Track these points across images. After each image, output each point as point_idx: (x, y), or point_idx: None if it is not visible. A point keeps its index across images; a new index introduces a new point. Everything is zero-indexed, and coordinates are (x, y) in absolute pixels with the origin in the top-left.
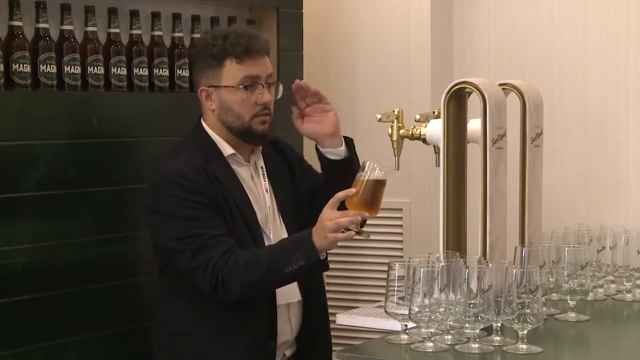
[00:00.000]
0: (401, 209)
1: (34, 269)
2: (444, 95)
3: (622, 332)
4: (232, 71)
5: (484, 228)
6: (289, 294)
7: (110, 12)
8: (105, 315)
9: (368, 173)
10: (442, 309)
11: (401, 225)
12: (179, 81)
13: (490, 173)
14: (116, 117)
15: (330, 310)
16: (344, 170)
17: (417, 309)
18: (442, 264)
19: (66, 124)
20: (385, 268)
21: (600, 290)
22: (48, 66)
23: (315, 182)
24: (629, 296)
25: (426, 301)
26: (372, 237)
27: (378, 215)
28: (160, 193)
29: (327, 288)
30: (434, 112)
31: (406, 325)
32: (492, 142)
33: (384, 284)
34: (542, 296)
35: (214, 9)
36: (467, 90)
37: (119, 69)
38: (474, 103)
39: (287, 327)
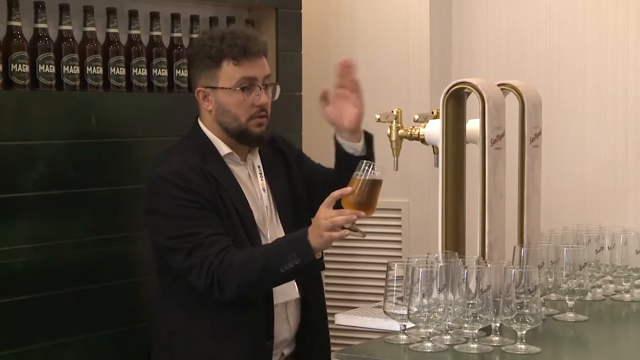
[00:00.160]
0: (400, 209)
1: (33, 269)
2: (442, 95)
3: (621, 332)
4: (229, 72)
5: (482, 228)
6: (286, 293)
7: (109, 12)
8: (105, 315)
9: (364, 172)
10: (440, 309)
11: (400, 226)
12: (177, 81)
13: (489, 173)
14: (115, 117)
15: (328, 310)
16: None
17: (415, 309)
18: (441, 264)
19: (65, 124)
20: (384, 268)
21: (599, 290)
22: (47, 66)
23: (314, 176)
24: (627, 296)
25: (425, 301)
26: (370, 237)
27: (377, 215)
28: (157, 193)
29: (325, 288)
30: (432, 113)
31: (405, 325)
32: (490, 142)
33: (383, 284)
34: (541, 296)
35: (213, 9)
36: (465, 90)
37: (117, 69)
38: (472, 103)
39: (285, 326)
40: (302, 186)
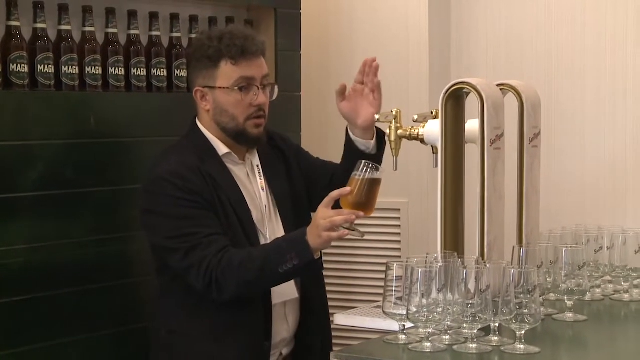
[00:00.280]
0: (399, 209)
1: (32, 269)
2: (442, 95)
3: (620, 332)
4: (227, 72)
5: (481, 228)
6: (284, 292)
7: (108, 12)
8: (105, 315)
9: (363, 172)
10: (440, 309)
11: (399, 226)
12: (176, 81)
13: (488, 173)
14: (114, 117)
15: None
16: None
17: (415, 309)
18: (440, 264)
19: (64, 124)
20: (383, 268)
21: (598, 290)
22: (46, 66)
23: (313, 171)
24: (626, 296)
25: (424, 301)
26: (369, 237)
27: (376, 215)
28: (155, 192)
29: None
30: (432, 113)
31: (404, 325)
32: (490, 143)
33: (382, 284)
34: (540, 296)
35: (212, 9)
36: (465, 90)
37: (116, 69)
38: (472, 103)
39: (284, 325)
40: (301, 185)
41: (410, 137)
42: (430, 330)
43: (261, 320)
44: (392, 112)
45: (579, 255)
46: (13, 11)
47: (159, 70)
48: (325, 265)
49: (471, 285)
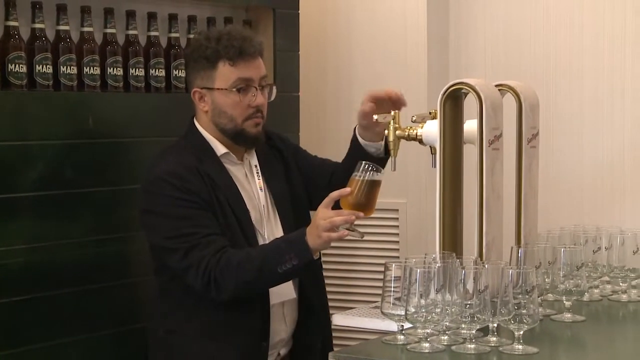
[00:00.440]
0: (397, 210)
1: (32, 269)
2: (440, 96)
3: (618, 333)
4: (225, 73)
5: (480, 229)
6: (282, 293)
7: (107, 13)
8: (105, 315)
9: (363, 173)
10: (438, 310)
11: (397, 226)
12: (175, 81)
13: (486, 174)
14: (112, 118)
15: None
16: None
17: (413, 310)
18: (439, 264)
19: (62, 125)
20: (382, 268)
21: (596, 290)
22: (44, 66)
23: (311, 171)
24: (624, 297)
25: (422, 302)
26: (368, 237)
27: (374, 215)
28: (153, 193)
29: None
30: (430, 113)
31: (402, 325)
32: (488, 143)
33: (380, 284)
34: (538, 297)
35: (210, 10)
36: (463, 91)
37: (115, 69)
38: (470, 104)
39: (282, 326)
40: (300, 185)
41: (409, 138)
42: (428, 331)
43: (259, 321)
44: (390, 112)
45: (577, 255)
46: (11, 11)
47: (157, 70)
48: (324, 266)
49: (469, 286)
